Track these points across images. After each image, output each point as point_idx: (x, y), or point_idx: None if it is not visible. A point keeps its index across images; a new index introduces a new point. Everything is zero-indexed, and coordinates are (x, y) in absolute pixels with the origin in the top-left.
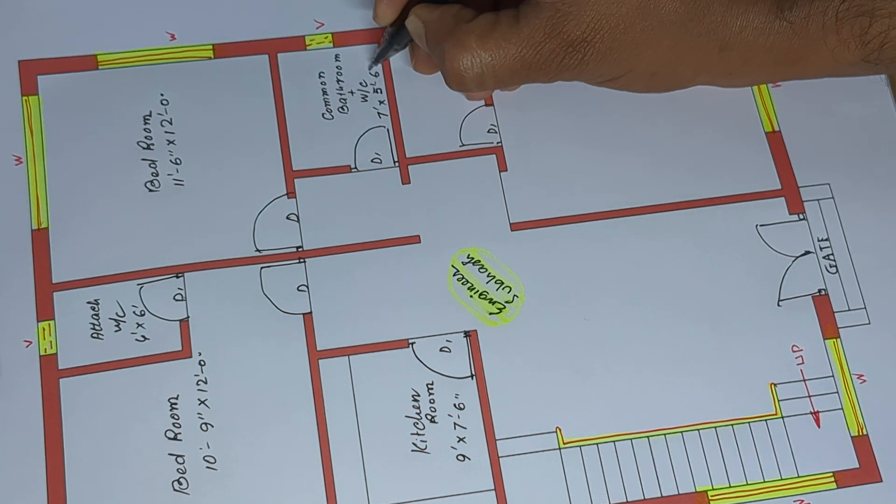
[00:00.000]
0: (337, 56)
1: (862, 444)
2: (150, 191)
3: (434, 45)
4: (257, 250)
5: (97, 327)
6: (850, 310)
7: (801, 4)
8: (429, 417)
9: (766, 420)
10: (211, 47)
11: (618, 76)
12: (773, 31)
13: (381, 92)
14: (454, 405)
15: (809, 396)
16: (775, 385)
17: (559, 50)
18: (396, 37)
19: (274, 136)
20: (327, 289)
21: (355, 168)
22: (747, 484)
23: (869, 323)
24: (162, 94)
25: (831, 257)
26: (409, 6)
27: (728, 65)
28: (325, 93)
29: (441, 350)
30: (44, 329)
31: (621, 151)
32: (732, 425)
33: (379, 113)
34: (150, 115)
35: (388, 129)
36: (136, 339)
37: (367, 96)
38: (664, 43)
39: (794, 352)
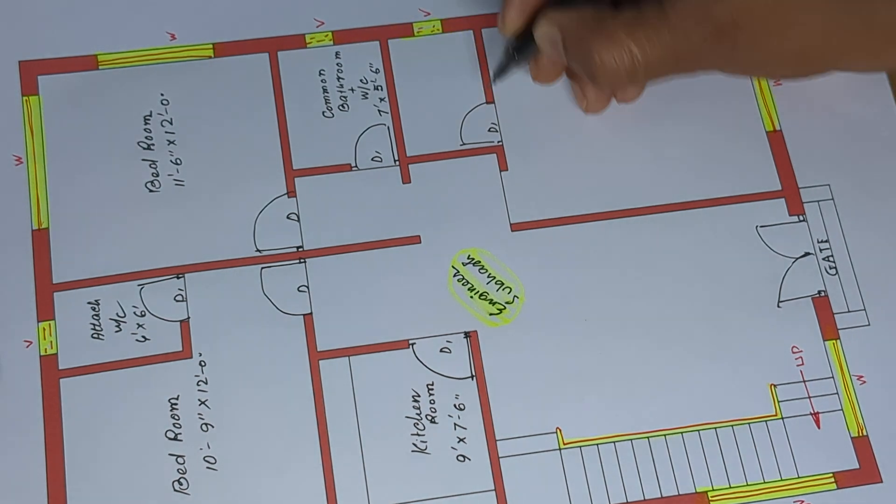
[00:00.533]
0: (337, 54)
1: (862, 444)
2: (150, 191)
3: (577, 44)
4: (257, 250)
5: (97, 327)
6: (849, 311)
7: None
8: (429, 418)
9: (766, 421)
10: (211, 46)
11: (767, 61)
12: None
13: (382, 89)
14: (454, 405)
15: (809, 397)
16: (775, 386)
17: (709, 36)
18: (522, 49)
19: (274, 135)
20: (327, 289)
21: (356, 167)
22: (747, 484)
23: (869, 324)
24: (162, 94)
25: (831, 259)
26: (535, 15)
27: (874, 43)
28: (325, 91)
29: (441, 350)
30: (44, 329)
31: (621, 151)
32: (732, 426)
33: (379, 111)
34: (150, 115)
35: (388, 128)
36: (137, 340)
37: (367, 93)
38: (815, 20)
39: (794, 353)
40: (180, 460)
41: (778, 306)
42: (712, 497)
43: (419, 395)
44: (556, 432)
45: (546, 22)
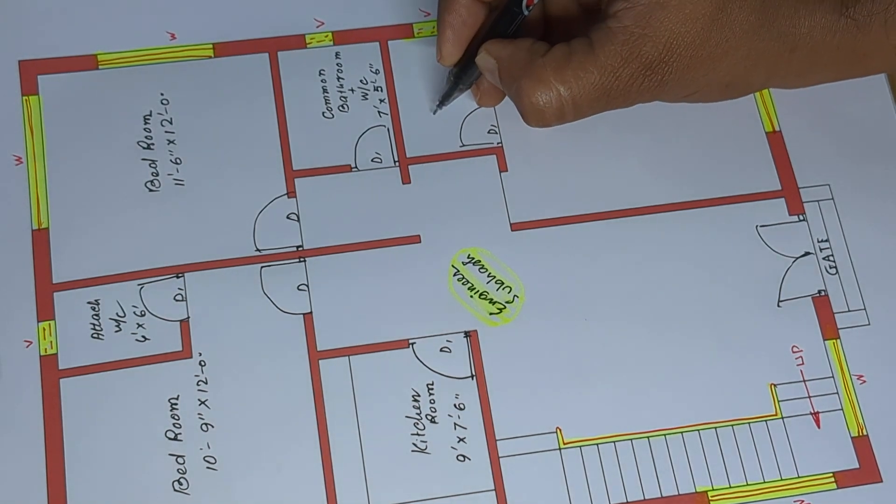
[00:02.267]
0: (337, 54)
1: (862, 444)
2: (150, 191)
3: (509, 81)
4: (257, 250)
5: (97, 327)
6: (849, 311)
7: (864, 2)
8: (429, 417)
9: (766, 420)
10: (211, 46)
11: (694, 92)
12: (838, 30)
13: (382, 90)
14: (454, 405)
15: (809, 397)
16: (775, 385)
17: (638, 74)
18: (462, 76)
19: (274, 136)
20: (327, 289)
21: (355, 168)
22: (747, 484)
23: (869, 324)
24: (162, 94)
25: (831, 258)
26: (472, 43)
27: (797, 66)
28: (325, 91)
29: (441, 350)
30: (44, 329)
31: (621, 152)
32: (732, 425)
33: (379, 112)
34: (150, 115)
35: (388, 129)
36: (137, 340)
37: (367, 94)
38: (738, 53)
39: (794, 352)
40: (180, 460)
41: (778, 306)
42: (712, 497)
43: (419, 395)
44: (557, 432)
45: (484, 52)
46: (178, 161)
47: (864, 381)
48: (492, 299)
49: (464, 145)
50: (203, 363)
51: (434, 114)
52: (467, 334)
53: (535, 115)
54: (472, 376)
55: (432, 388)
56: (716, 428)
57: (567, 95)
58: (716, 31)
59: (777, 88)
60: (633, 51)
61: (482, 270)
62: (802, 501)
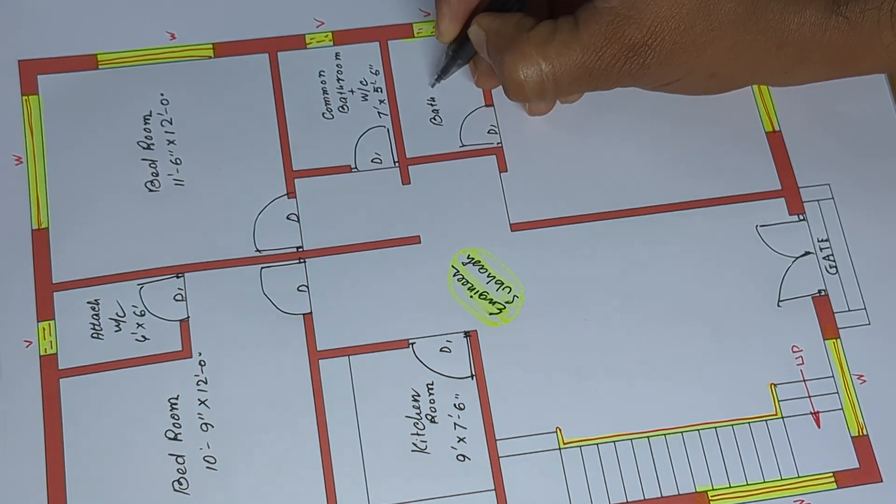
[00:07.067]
0: (337, 54)
1: (862, 444)
2: (150, 191)
3: (494, 54)
4: (257, 250)
5: (97, 327)
6: (849, 310)
7: (857, 0)
8: (429, 417)
9: (766, 420)
10: (211, 46)
11: (677, 79)
12: (829, 28)
13: (382, 91)
14: (454, 405)
15: (809, 397)
16: (775, 385)
17: (620, 55)
18: (460, 51)
19: (274, 136)
20: (327, 289)
21: (355, 168)
22: (747, 484)
23: (869, 323)
24: (162, 94)
25: (831, 258)
26: (471, 19)
27: (785, 63)
28: (325, 92)
29: (441, 350)
30: (44, 329)
31: (621, 152)
32: (732, 425)
33: (379, 112)
34: (150, 115)
35: (388, 129)
36: (137, 340)
37: (367, 95)
38: (723, 43)
39: (794, 352)
40: (180, 460)
41: (778, 306)
42: (712, 497)
43: (419, 395)
44: (556, 432)
45: (475, 24)
46: (178, 161)
47: (864, 381)
48: (492, 299)
49: (464, 145)
50: (203, 363)
51: (432, 87)
52: (467, 334)
53: (515, 88)
54: (471, 376)
55: (432, 388)
56: (716, 428)
57: (548, 71)
58: (701, 17)
59: (764, 85)
60: (617, 31)
61: (482, 271)
62: (802, 501)
